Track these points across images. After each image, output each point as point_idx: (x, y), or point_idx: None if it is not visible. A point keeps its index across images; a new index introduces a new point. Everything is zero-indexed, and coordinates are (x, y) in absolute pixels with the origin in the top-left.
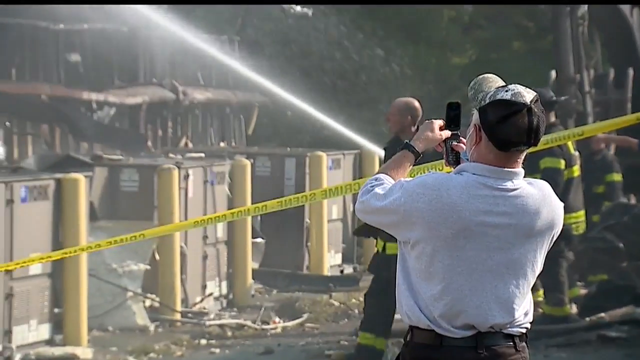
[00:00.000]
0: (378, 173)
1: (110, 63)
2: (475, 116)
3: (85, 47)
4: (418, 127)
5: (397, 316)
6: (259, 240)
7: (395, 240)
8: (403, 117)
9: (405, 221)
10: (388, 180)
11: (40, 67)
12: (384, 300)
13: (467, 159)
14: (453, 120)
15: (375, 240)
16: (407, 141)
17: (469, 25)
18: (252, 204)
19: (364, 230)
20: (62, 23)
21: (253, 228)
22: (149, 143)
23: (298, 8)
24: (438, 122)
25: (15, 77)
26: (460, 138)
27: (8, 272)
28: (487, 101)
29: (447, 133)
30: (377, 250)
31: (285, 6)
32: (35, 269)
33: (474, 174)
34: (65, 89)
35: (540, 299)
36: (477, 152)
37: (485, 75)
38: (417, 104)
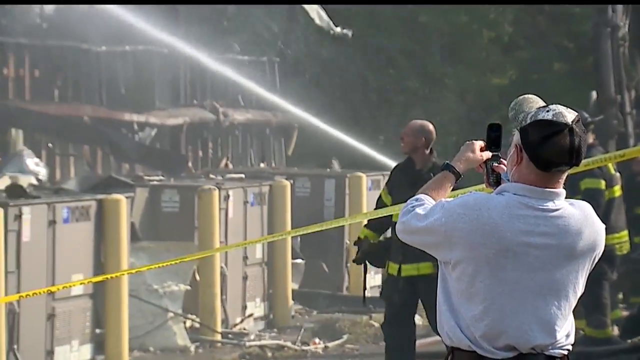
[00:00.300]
0: (419, 193)
1: (151, 84)
2: (516, 136)
3: (127, 68)
4: (431, 149)
5: (436, 337)
6: (298, 261)
7: (412, 261)
8: (417, 138)
9: (446, 241)
10: (429, 201)
11: (82, 88)
12: (402, 328)
13: (508, 180)
14: (494, 142)
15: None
16: (448, 162)
17: (509, 45)
18: (291, 224)
19: (372, 259)
20: (104, 45)
21: (293, 249)
22: (190, 164)
23: (338, 29)
24: (479, 143)
25: (58, 99)
26: (501, 159)
27: (50, 292)
28: (528, 121)
29: (487, 154)
30: (389, 275)
31: (325, 27)
32: (77, 289)
33: (515, 194)
34: (107, 110)
35: (584, 326)
36: (518, 173)
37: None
38: (431, 127)
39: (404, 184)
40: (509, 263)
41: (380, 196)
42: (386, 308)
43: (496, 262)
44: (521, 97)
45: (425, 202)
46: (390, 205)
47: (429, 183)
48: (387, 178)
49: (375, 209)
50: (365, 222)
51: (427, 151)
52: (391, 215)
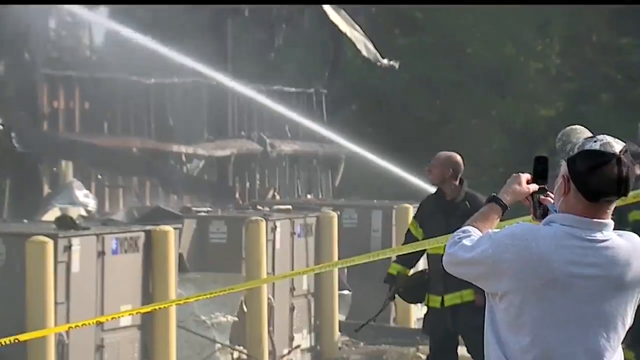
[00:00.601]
0: (465, 225)
1: (199, 116)
2: (564, 167)
3: (176, 100)
4: (461, 180)
5: None
6: (345, 292)
7: (454, 290)
8: (444, 169)
9: (494, 272)
10: (475, 233)
11: (131, 120)
12: None
13: (556, 212)
14: (541, 174)
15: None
16: (495, 194)
17: (556, 77)
18: (338, 255)
19: (408, 295)
20: (153, 77)
21: (339, 280)
22: (237, 195)
23: (385, 61)
24: (525, 176)
25: (108, 131)
26: (548, 192)
27: (99, 323)
28: (576, 151)
29: (534, 186)
30: (430, 308)
31: (372, 59)
32: (125, 320)
33: (562, 224)
34: (156, 142)
35: (632, 358)
36: (566, 203)
37: (573, 126)
38: (458, 158)
39: (436, 215)
40: (557, 294)
41: (408, 229)
42: (430, 341)
43: (544, 293)
44: (568, 127)
45: (472, 234)
46: (422, 237)
47: (475, 215)
48: (415, 210)
49: (404, 242)
50: (394, 257)
51: (457, 182)
52: (422, 249)
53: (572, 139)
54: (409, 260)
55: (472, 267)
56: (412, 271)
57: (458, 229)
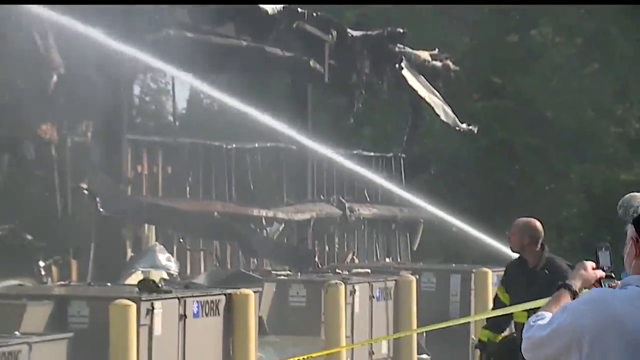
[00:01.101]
0: (538, 311)
1: (279, 180)
2: (631, 230)
3: (256, 164)
4: (542, 245)
5: None
6: (424, 356)
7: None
8: (522, 236)
9: (574, 341)
10: (549, 315)
11: (212, 184)
12: None
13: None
14: (605, 261)
15: None
16: (565, 282)
17: (636, 141)
18: (417, 319)
19: None
20: (234, 142)
21: (418, 344)
22: (317, 259)
23: (463, 125)
24: (590, 263)
25: (189, 195)
26: (615, 281)
27: None
28: None
29: (601, 272)
30: None
31: (451, 123)
32: None
33: (637, 286)
34: (237, 206)
35: None
36: (638, 265)
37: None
38: (537, 224)
39: (520, 282)
40: (635, 356)
41: (496, 294)
42: None
43: (624, 356)
44: (627, 195)
45: (545, 316)
46: (509, 303)
47: (547, 302)
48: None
49: (493, 307)
50: (484, 322)
51: (537, 247)
52: (511, 314)
53: (633, 203)
54: (499, 326)
55: (551, 343)
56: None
57: (540, 296)
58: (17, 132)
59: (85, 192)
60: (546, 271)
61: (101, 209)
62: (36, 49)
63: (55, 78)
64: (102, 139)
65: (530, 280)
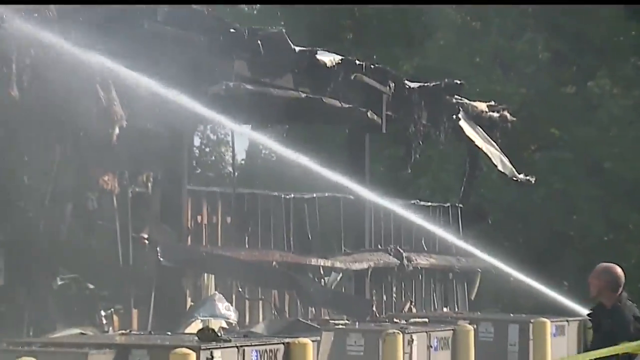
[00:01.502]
0: None
1: (337, 230)
2: None
3: (314, 214)
4: (621, 292)
5: None
6: None
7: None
8: (600, 281)
9: None
10: None
11: (271, 234)
12: None
13: None
14: None
15: None
16: None
17: None
18: None
19: None
20: (292, 192)
21: None
22: (374, 308)
23: (521, 176)
24: None
25: (248, 244)
26: None
27: None
28: None
29: None
30: None
31: (508, 173)
32: None
33: None
34: (295, 255)
35: None
36: None
37: None
38: (616, 269)
39: (599, 327)
40: None
41: (585, 338)
42: None
43: None
44: None
45: None
46: (591, 348)
47: None
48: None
49: (584, 350)
50: None
51: (617, 293)
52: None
53: None
54: None
55: None
56: None
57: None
58: (80, 183)
59: (146, 241)
60: (610, 319)
61: (161, 259)
62: (99, 102)
63: (117, 130)
64: (163, 190)
65: (606, 324)
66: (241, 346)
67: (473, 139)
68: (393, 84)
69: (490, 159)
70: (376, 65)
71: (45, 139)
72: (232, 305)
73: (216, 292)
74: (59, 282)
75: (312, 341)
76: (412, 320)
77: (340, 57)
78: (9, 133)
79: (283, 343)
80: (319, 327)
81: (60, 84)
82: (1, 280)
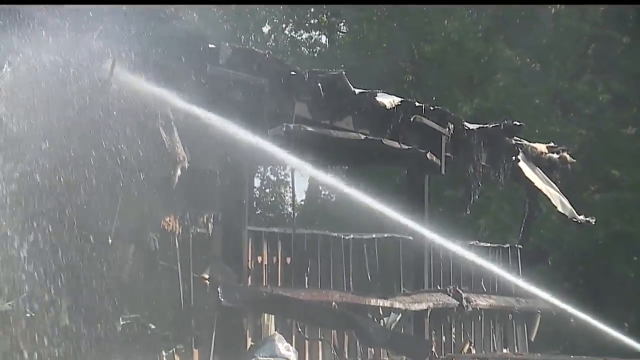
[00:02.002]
0: None
1: (396, 270)
2: None
3: (373, 255)
4: None
5: None
6: None
7: None
8: None
9: None
10: None
11: (331, 274)
12: None
13: None
14: None
15: None
16: None
17: None
18: None
19: None
20: (351, 233)
21: None
22: (433, 349)
23: (581, 217)
24: None
25: (308, 285)
26: None
27: None
28: None
29: None
30: None
31: (568, 214)
32: None
33: None
34: (354, 295)
35: None
36: None
37: None
38: None
39: None
40: None
41: None
42: None
43: None
44: None
45: None
46: None
47: None
48: None
49: None
50: None
51: None
52: None
53: None
54: None
55: None
56: None
57: None
58: (142, 224)
59: (207, 282)
60: None
61: (222, 299)
62: (162, 143)
63: (179, 171)
64: (224, 230)
65: None
66: None
67: (532, 180)
68: (452, 126)
69: (549, 200)
70: (435, 106)
71: (109, 180)
72: (291, 345)
73: (276, 332)
74: (122, 323)
75: None
76: None
77: (399, 99)
78: (74, 174)
79: None
80: None
81: (123, 125)
82: (65, 320)
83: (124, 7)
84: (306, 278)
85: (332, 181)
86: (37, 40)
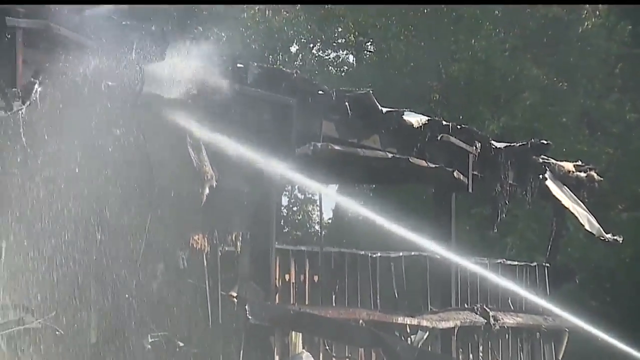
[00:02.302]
0: None
1: (423, 288)
2: None
3: (400, 273)
4: None
5: None
6: None
7: None
8: None
9: None
10: None
11: (358, 292)
12: None
13: None
14: None
15: None
16: None
17: None
18: None
19: None
20: (379, 251)
21: None
22: None
23: (609, 235)
24: None
25: (335, 303)
26: None
27: None
28: None
29: None
30: None
31: (596, 233)
32: None
33: None
34: (381, 314)
35: None
36: None
37: None
38: None
39: None
40: None
41: None
42: None
43: None
44: None
45: None
46: None
47: None
48: None
49: None
50: None
51: None
52: None
53: None
54: None
55: None
56: None
57: None
58: (171, 242)
59: (235, 300)
60: None
61: (250, 317)
62: (190, 162)
63: (207, 190)
64: (252, 248)
65: None
66: None
67: (560, 198)
68: (479, 144)
69: (577, 218)
70: (462, 125)
71: (138, 199)
72: None
73: (304, 350)
74: (150, 340)
75: None
76: None
77: (427, 118)
78: (104, 193)
79: None
80: None
81: (152, 144)
82: (93, 338)
83: (153, 26)
84: (334, 296)
85: (359, 199)
86: (67, 57)
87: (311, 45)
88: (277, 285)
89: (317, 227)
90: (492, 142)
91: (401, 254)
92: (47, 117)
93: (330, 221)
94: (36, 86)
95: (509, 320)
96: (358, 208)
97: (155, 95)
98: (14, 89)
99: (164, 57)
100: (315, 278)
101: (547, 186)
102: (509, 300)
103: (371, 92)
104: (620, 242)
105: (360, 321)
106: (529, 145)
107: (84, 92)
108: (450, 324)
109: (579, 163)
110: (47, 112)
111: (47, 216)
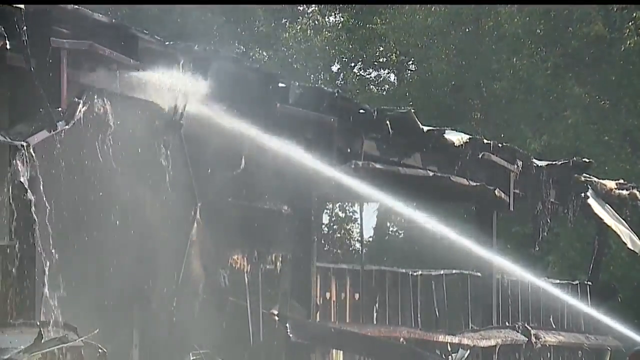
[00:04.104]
0: None
1: (464, 307)
2: None
3: (441, 291)
4: None
5: None
6: None
7: None
8: None
9: None
10: None
11: (399, 310)
12: None
13: None
14: None
15: None
16: None
17: None
18: None
19: None
20: (420, 269)
21: None
22: None
23: None
24: None
25: (376, 321)
26: None
27: None
28: None
29: None
30: None
31: (638, 251)
32: None
33: None
34: (422, 332)
35: None
36: None
37: None
38: None
39: None
40: None
41: None
42: None
43: None
44: None
45: None
46: None
47: None
48: None
49: None
50: None
51: None
52: None
53: None
54: None
55: None
56: None
57: None
58: (213, 262)
59: (276, 318)
60: None
61: (291, 335)
62: (231, 181)
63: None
64: (293, 267)
65: None
66: None
67: (602, 216)
68: (521, 162)
69: (619, 236)
70: (504, 144)
71: (181, 218)
72: None
73: None
74: (192, 358)
75: None
76: None
77: (468, 136)
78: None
79: None
80: None
81: (194, 164)
82: (136, 356)
83: (196, 46)
84: (374, 314)
85: (399, 218)
86: (109, 78)
87: (352, 64)
88: (318, 303)
89: (357, 245)
90: (534, 160)
91: (442, 272)
92: (88, 133)
93: (370, 239)
94: (80, 106)
95: (551, 338)
96: (399, 225)
97: (196, 113)
98: (58, 109)
99: (206, 77)
100: (356, 296)
101: (589, 204)
102: (551, 318)
103: (412, 110)
104: None
105: (401, 339)
106: (571, 164)
107: (127, 112)
108: (492, 342)
109: (621, 181)
110: (88, 128)
111: (91, 236)
